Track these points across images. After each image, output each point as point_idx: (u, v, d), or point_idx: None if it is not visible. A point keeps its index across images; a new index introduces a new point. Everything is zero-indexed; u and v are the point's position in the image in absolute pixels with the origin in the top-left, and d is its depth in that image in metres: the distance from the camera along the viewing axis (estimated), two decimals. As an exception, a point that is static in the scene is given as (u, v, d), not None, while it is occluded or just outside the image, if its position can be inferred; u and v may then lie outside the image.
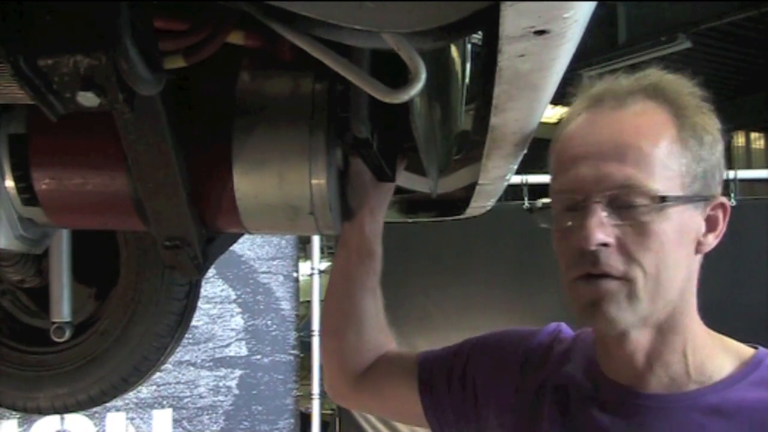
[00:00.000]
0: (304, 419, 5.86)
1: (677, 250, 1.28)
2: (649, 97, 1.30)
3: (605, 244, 1.25)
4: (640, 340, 1.32)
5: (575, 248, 1.27)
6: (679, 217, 1.27)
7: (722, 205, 1.33)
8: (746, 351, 1.35)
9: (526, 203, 5.34)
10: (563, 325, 1.60)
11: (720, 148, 1.33)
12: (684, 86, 1.33)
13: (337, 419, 6.03)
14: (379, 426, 5.67)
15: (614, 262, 1.25)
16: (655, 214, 1.25)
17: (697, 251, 1.32)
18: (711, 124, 1.32)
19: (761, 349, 1.35)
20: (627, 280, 1.25)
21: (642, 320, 1.29)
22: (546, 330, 1.60)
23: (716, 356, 1.34)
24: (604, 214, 1.25)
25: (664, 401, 1.32)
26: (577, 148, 1.31)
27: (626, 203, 1.25)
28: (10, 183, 1.50)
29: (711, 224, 1.32)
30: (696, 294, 1.35)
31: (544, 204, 1.37)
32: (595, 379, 1.42)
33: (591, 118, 1.32)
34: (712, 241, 1.33)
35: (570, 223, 1.29)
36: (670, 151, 1.27)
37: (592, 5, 0.88)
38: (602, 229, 1.24)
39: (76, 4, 1.00)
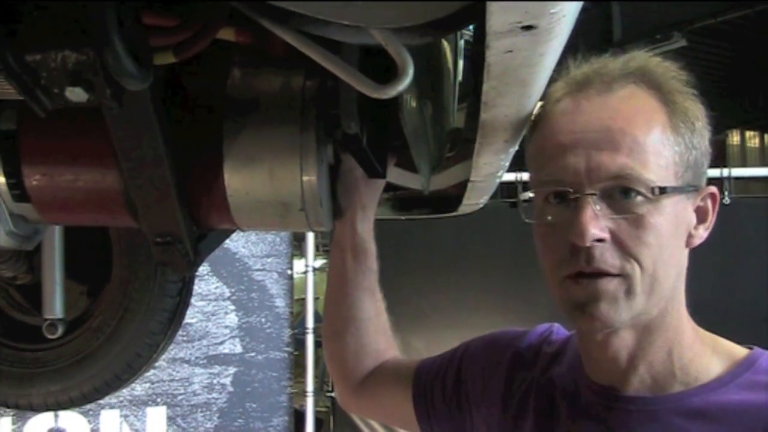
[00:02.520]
0: (299, 417, 5.85)
1: (672, 243, 1.22)
2: (637, 82, 1.24)
3: (600, 240, 1.18)
4: (625, 338, 1.27)
5: (565, 244, 1.20)
6: (674, 208, 1.21)
7: (711, 195, 1.29)
8: (739, 352, 1.29)
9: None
10: (556, 326, 1.55)
11: (707, 135, 1.28)
12: (669, 69, 1.28)
13: (331, 417, 6.03)
14: (374, 424, 5.67)
15: (610, 258, 1.18)
16: (651, 206, 1.18)
17: (687, 244, 1.27)
18: (699, 109, 1.27)
19: (756, 350, 1.29)
20: (623, 276, 1.19)
21: (635, 318, 1.23)
22: (536, 331, 1.56)
23: (704, 356, 1.27)
24: (597, 207, 1.18)
25: (645, 403, 1.26)
26: (563, 135, 1.24)
27: (621, 195, 1.19)
28: (0, 179, 1.50)
29: (701, 215, 1.27)
30: (684, 291, 1.30)
31: (529, 198, 1.31)
32: (578, 380, 1.37)
33: (576, 103, 1.25)
34: (702, 233, 1.28)
35: (557, 218, 1.23)
36: (664, 139, 1.21)
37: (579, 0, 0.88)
38: (596, 223, 1.17)
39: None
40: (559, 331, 1.54)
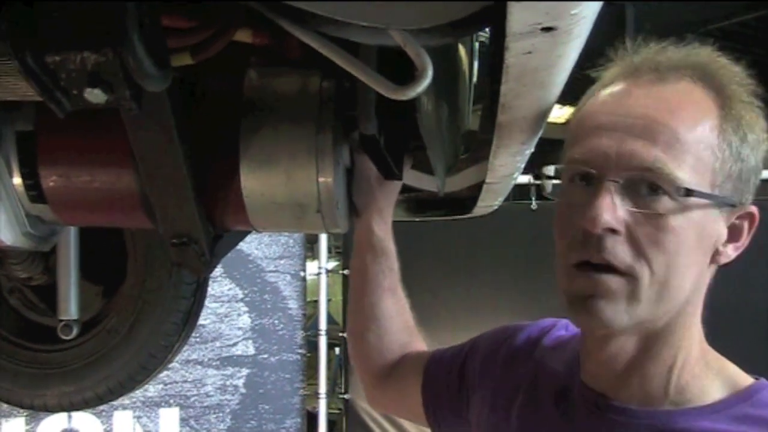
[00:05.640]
0: (311, 418, 5.86)
1: (692, 254, 1.14)
2: (695, 78, 1.15)
3: (614, 230, 1.11)
4: (625, 345, 1.21)
5: (579, 229, 1.14)
6: (702, 218, 1.13)
7: (750, 215, 1.19)
8: (743, 381, 1.21)
9: (534, 203, 5.33)
10: (564, 322, 1.50)
11: (763, 150, 1.19)
12: (735, 74, 1.18)
13: (344, 418, 6.02)
14: (386, 426, 5.67)
15: (621, 252, 1.11)
16: (676, 207, 1.11)
17: (712, 261, 1.18)
18: (758, 122, 1.17)
19: (762, 381, 1.21)
20: (631, 276, 1.12)
21: (637, 325, 1.17)
22: (539, 324, 1.53)
23: (705, 379, 1.20)
24: (618, 196, 1.11)
25: (629, 416, 1.21)
26: (603, 116, 1.17)
27: (647, 190, 1.11)
28: (17, 180, 1.51)
29: (733, 234, 1.18)
30: (703, 307, 1.23)
31: (555, 172, 1.25)
32: (572, 379, 1.33)
33: (626, 87, 1.18)
34: (731, 252, 1.19)
35: (578, 200, 1.16)
36: (707, 142, 1.12)
37: (599, 2, 0.88)
38: (613, 212, 1.10)
39: (84, 0, 1.00)
40: (568, 326, 1.50)
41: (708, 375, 1.21)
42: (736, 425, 1.14)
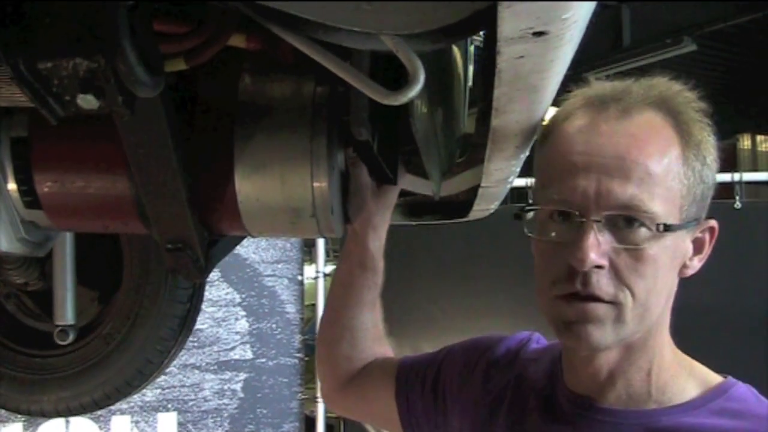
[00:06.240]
0: (309, 423, 5.85)
1: (666, 275, 1.24)
2: (655, 110, 1.23)
3: (598, 266, 1.18)
4: (609, 356, 1.28)
5: (564, 265, 1.21)
6: (673, 241, 1.23)
7: (711, 228, 1.29)
8: (713, 378, 1.31)
9: (531, 206, 5.32)
10: (537, 335, 1.59)
11: (716, 169, 1.28)
12: (689, 99, 1.27)
13: (342, 423, 6.02)
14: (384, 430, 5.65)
15: (605, 285, 1.19)
16: (653, 239, 1.19)
17: (680, 274, 1.28)
18: (712, 143, 1.27)
19: (730, 378, 1.31)
20: (615, 304, 1.20)
21: (621, 341, 1.25)
22: (516, 337, 1.59)
23: (680, 378, 1.30)
24: (600, 233, 1.18)
25: (618, 416, 1.29)
26: (577, 156, 1.22)
27: (625, 224, 1.19)
28: (12, 186, 1.51)
29: (697, 247, 1.29)
30: (670, 314, 1.32)
31: (529, 208, 1.31)
32: (555, 385, 1.40)
33: (593, 123, 1.23)
34: (696, 264, 1.29)
35: (560, 237, 1.24)
36: (675, 171, 1.21)
37: (591, 6, 0.88)
38: (597, 249, 1.17)
39: (76, 6, 1.00)
40: (540, 339, 1.58)
41: (682, 374, 1.31)
42: (715, 419, 1.24)
